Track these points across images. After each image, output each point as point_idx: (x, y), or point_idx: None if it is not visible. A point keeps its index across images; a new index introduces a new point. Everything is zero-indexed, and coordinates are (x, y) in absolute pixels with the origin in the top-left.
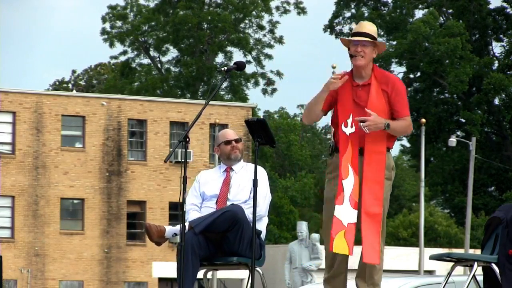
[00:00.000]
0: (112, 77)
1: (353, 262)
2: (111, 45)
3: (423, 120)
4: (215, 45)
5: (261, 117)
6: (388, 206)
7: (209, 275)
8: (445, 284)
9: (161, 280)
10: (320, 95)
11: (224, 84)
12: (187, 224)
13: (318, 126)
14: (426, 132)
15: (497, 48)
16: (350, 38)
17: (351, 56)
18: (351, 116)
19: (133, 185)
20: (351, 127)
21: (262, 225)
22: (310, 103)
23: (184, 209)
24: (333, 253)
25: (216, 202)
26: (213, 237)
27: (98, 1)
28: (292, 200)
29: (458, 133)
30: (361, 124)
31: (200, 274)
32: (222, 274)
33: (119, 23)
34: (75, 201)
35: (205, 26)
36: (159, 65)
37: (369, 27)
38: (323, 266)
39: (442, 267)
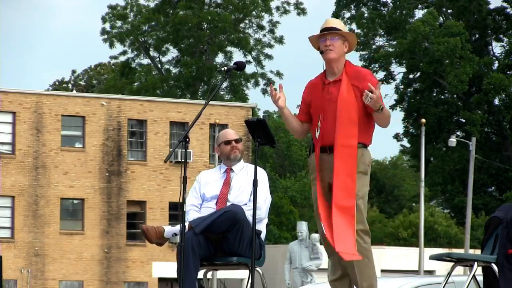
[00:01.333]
0: (112, 77)
1: None
2: (111, 45)
3: (423, 120)
4: (215, 45)
5: (261, 117)
6: (366, 201)
7: (209, 275)
8: (445, 284)
9: (161, 280)
10: (283, 115)
11: (224, 84)
12: (187, 224)
13: None
14: (426, 132)
15: (497, 48)
16: (318, 34)
17: (321, 53)
18: (320, 116)
19: (133, 185)
20: (319, 128)
21: (262, 225)
22: (286, 125)
23: (184, 209)
24: (334, 255)
25: (216, 203)
26: (213, 237)
27: (98, 1)
28: (292, 200)
29: (458, 133)
30: (366, 92)
31: (200, 274)
32: (222, 274)
33: (119, 23)
34: (75, 201)
35: (205, 26)
36: (159, 65)
37: (335, 22)
38: (323, 266)
39: (442, 267)
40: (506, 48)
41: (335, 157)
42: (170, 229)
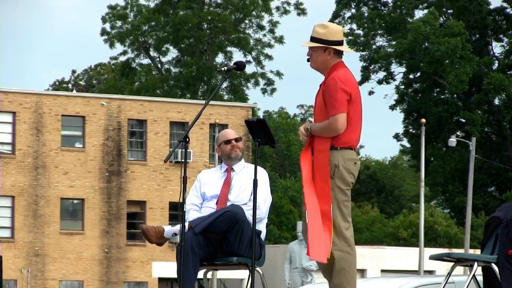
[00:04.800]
0: (112, 77)
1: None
2: (111, 45)
3: (423, 120)
4: (215, 45)
5: (261, 117)
6: (338, 204)
7: (209, 275)
8: (445, 284)
9: (161, 280)
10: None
11: (224, 84)
12: (187, 224)
13: None
14: (426, 132)
15: (497, 48)
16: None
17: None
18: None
19: (133, 185)
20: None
21: (262, 225)
22: None
23: (184, 209)
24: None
25: (217, 203)
26: (213, 237)
27: (98, 1)
28: (292, 200)
29: (458, 133)
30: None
31: (200, 274)
32: (222, 274)
33: (119, 23)
34: (75, 201)
35: (205, 26)
36: (159, 65)
37: (317, 29)
38: None
39: (442, 267)
40: (506, 48)
41: (314, 162)
42: (170, 229)
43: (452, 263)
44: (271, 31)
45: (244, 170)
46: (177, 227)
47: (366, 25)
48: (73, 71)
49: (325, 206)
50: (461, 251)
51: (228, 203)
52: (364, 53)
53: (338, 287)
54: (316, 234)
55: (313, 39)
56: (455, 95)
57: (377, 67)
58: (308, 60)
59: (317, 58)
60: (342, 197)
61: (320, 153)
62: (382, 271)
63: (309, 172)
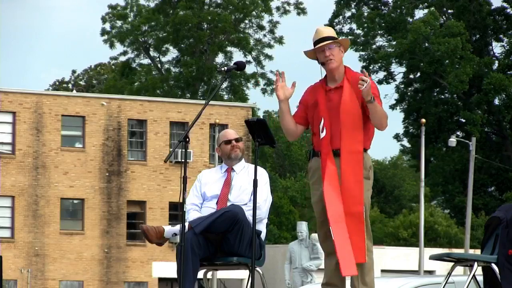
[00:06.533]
0: (112, 77)
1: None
2: (111, 45)
3: (423, 120)
4: (215, 45)
5: (261, 117)
6: (369, 205)
7: (209, 275)
8: (445, 284)
9: (161, 280)
10: (280, 109)
11: (224, 84)
12: (187, 224)
13: None
14: (426, 132)
15: (497, 48)
16: (314, 47)
17: (323, 64)
18: (322, 120)
19: (133, 185)
20: (322, 131)
21: (262, 225)
22: (280, 120)
23: (184, 209)
24: (328, 261)
25: (217, 203)
26: (213, 237)
27: (98, 1)
28: (292, 200)
29: (458, 133)
30: (361, 79)
31: (200, 274)
32: (222, 274)
33: (119, 23)
34: (75, 201)
35: (205, 26)
36: (159, 65)
37: (326, 31)
38: (323, 266)
39: (442, 267)
40: (506, 48)
41: (342, 164)
42: (170, 229)
43: (452, 263)
44: (271, 31)
45: (244, 170)
46: (177, 227)
47: (366, 25)
48: (73, 71)
49: (359, 208)
50: (461, 251)
51: (228, 203)
52: (364, 53)
53: (369, 284)
54: (344, 249)
55: (330, 38)
56: (455, 95)
57: (377, 67)
58: (322, 64)
59: (338, 56)
60: (370, 199)
61: (353, 154)
62: (382, 271)
63: (333, 177)
